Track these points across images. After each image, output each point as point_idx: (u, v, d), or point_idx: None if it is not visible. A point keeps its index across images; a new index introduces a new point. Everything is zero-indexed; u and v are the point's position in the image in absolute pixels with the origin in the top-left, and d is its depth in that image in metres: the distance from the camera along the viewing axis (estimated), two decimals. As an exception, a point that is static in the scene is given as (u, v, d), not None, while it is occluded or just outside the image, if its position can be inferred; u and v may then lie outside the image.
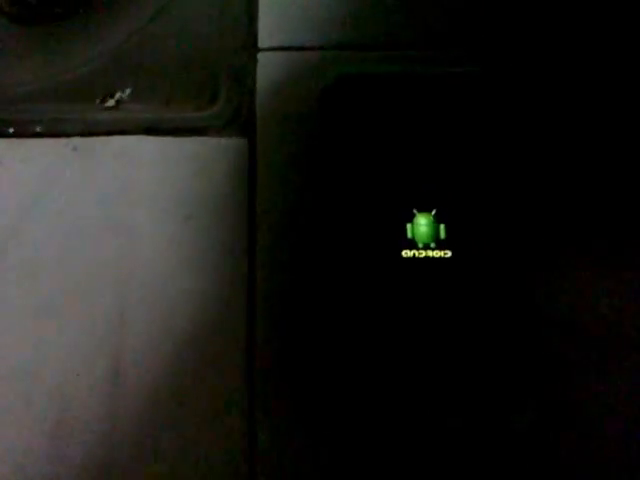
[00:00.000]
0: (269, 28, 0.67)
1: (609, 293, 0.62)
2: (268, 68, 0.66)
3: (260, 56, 0.67)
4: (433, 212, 0.64)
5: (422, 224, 0.64)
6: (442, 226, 0.64)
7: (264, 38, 0.67)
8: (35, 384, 0.57)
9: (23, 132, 0.64)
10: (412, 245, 0.63)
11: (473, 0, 0.68)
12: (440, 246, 0.64)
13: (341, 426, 0.59)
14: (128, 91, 0.66)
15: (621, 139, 0.64)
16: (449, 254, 0.63)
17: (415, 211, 0.64)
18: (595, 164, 0.64)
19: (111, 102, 0.66)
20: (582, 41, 0.67)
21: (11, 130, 0.64)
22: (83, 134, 0.64)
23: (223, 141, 0.65)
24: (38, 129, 0.64)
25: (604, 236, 0.63)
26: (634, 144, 0.64)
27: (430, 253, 0.63)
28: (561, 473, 0.58)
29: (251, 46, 0.67)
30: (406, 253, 0.63)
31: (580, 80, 0.66)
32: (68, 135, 0.64)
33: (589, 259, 0.63)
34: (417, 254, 0.63)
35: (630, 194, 0.64)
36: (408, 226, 0.64)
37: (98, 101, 0.66)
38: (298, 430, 0.58)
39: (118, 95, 0.66)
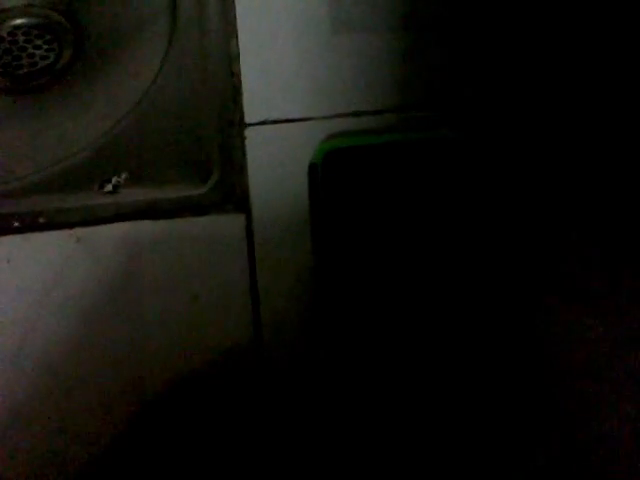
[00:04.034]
0: (254, 103, 0.69)
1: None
2: (257, 143, 0.69)
3: (248, 131, 0.69)
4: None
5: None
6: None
7: (250, 113, 0.69)
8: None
9: (27, 225, 0.67)
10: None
11: (459, 61, 0.70)
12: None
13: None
14: (124, 175, 0.69)
15: (617, 214, 0.66)
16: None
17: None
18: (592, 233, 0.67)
19: (109, 187, 0.68)
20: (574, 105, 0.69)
21: (16, 224, 0.67)
22: (85, 223, 0.67)
23: (220, 219, 0.68)
24: (41, 220, 0.67)
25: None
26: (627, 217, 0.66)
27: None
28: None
29: (238, 122, 0.69)
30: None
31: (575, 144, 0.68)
32: (71, 225, 0.67)
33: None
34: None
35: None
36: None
37: (96, 187, 0.69)
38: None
39: (115, 180, 0.69)
